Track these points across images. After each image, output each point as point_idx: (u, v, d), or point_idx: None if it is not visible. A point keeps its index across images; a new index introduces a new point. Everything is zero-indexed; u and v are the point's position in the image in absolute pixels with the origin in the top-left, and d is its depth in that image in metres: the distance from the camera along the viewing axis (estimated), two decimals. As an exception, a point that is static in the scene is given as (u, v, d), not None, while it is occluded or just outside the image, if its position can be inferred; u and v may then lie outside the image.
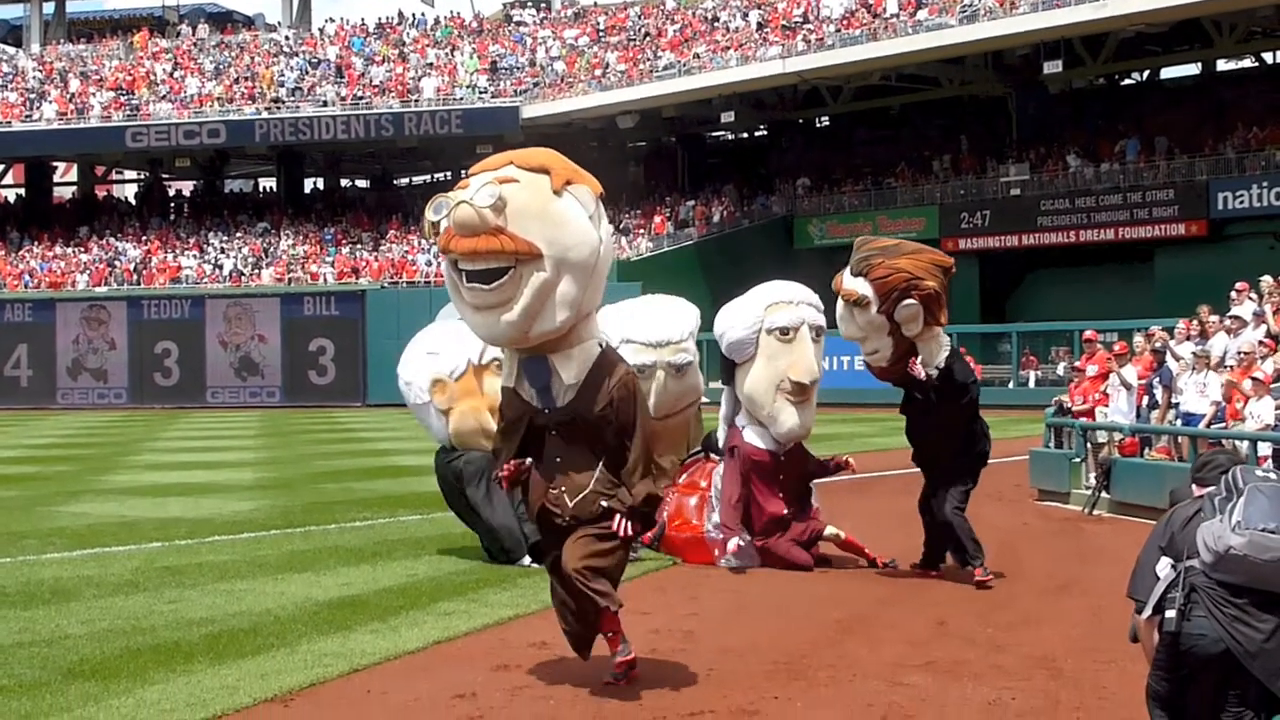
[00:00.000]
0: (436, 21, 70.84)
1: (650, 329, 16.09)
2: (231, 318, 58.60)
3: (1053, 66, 49.95)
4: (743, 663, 10.75)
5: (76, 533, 18.51)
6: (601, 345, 10.09)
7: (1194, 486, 6.83)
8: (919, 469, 15.08)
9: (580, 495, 9.80)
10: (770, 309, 15.60)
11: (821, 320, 15.75)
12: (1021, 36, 50.27)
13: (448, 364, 15.71)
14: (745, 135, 69.44)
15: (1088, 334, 22.90)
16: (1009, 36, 50.49)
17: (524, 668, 10.64)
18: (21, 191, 76.67)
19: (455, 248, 9.60)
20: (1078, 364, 22.98)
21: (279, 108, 63.60)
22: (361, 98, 63.15)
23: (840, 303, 14.29)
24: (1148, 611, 6.44)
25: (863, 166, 60.14)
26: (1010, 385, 46.87)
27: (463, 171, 73.55)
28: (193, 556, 16.40)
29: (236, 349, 58.62)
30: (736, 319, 15.71)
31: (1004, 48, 52.75)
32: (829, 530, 15.40)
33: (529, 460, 10.07)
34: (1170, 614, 6.39)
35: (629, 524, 9.75)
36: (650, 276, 54.52)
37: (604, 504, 9.75)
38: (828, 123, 66.46)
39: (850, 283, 14.09)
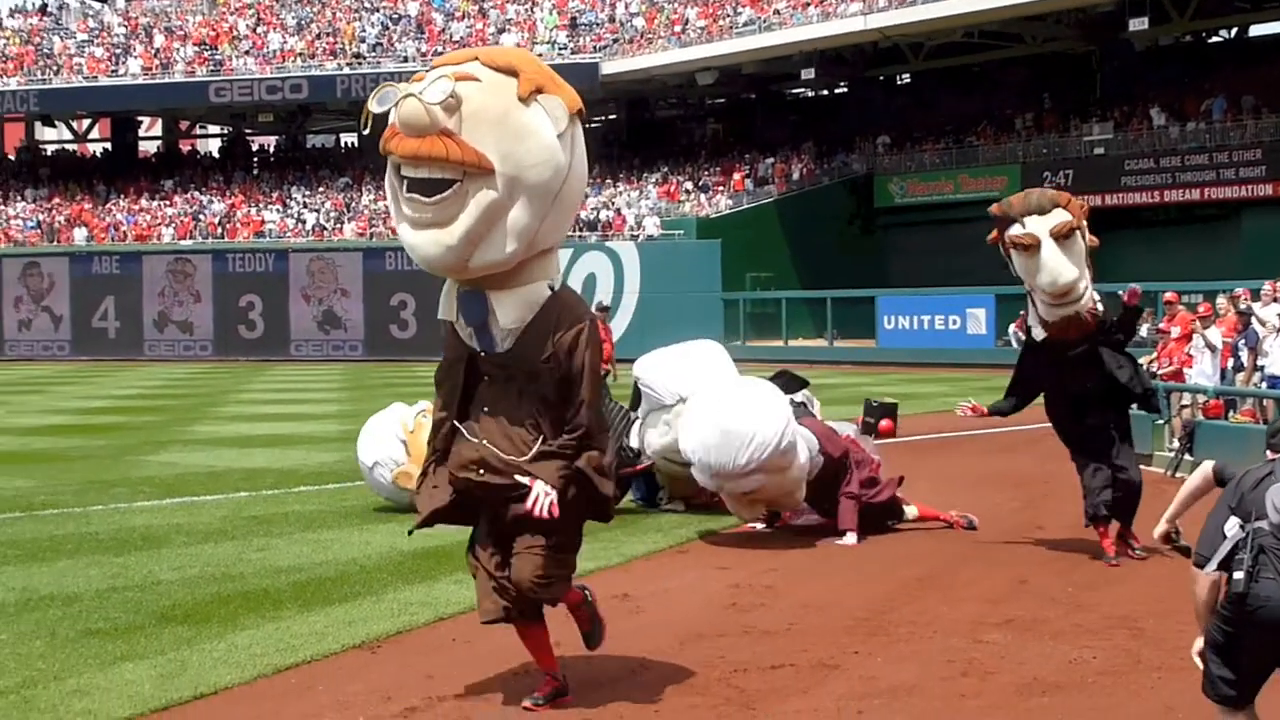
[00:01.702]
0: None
1: (710, 453, 13.91)
2: (315, 272, 58.93)
3: (1138, 23, 49.26)
4: (823, 617, 10.80)
5: (165, 482, 18.77)
6: (553, 288, 8.44)
7: (1267, 452, 6.81)
8: (1076, 443, 13.68)
9: (508, 451, 8.28)
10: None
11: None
12: (1107, -8, 49.67)
13: (395, 453, 15.84)
14: (825, 92, 68.87)
15: (1168, 296, 22.69)
16: (1095, -8, 49.92)
17: (606, 620, 10.69)
18: (108, 145, 77.27)
19: (396, 148, 8.06)
20: (1161, 325, 22.80)
21: (360, 63, 63.76)
22: (441, 53, 62.83)
23: (1047, 248, 12.84)
24: (1211, 567, 6.44)
25: (944, 124, 59.53)
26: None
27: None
28: (279, 506, 16.63)
29: (319, 303, 58.96)
30: (769, 424, 13.80)
31: (1088, 4, 51.93)
32: (909, 511, 15.01)
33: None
34: (1239, 575, 6.38)
35: (551, 501, 8.10)
36: (729, 234, 54.49)
37: (521, 479, 8.21)
38: (908, 80, 65.80)
39: (1055, 216, 13.01)
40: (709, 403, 14.15)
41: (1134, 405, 13.77)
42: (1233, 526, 6.41)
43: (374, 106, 8.14)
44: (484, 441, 8.34)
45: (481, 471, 8.33)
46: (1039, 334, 13.46)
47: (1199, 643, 6.51)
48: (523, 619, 8.63)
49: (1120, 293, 13.66)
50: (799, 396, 15.40)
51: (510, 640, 10.01)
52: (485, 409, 8.44)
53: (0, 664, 9.27)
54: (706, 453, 13.82)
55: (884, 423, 15.24)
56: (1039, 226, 12.83)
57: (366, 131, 8.47)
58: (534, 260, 8.33)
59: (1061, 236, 12.76)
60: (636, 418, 16.09)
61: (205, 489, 17.92)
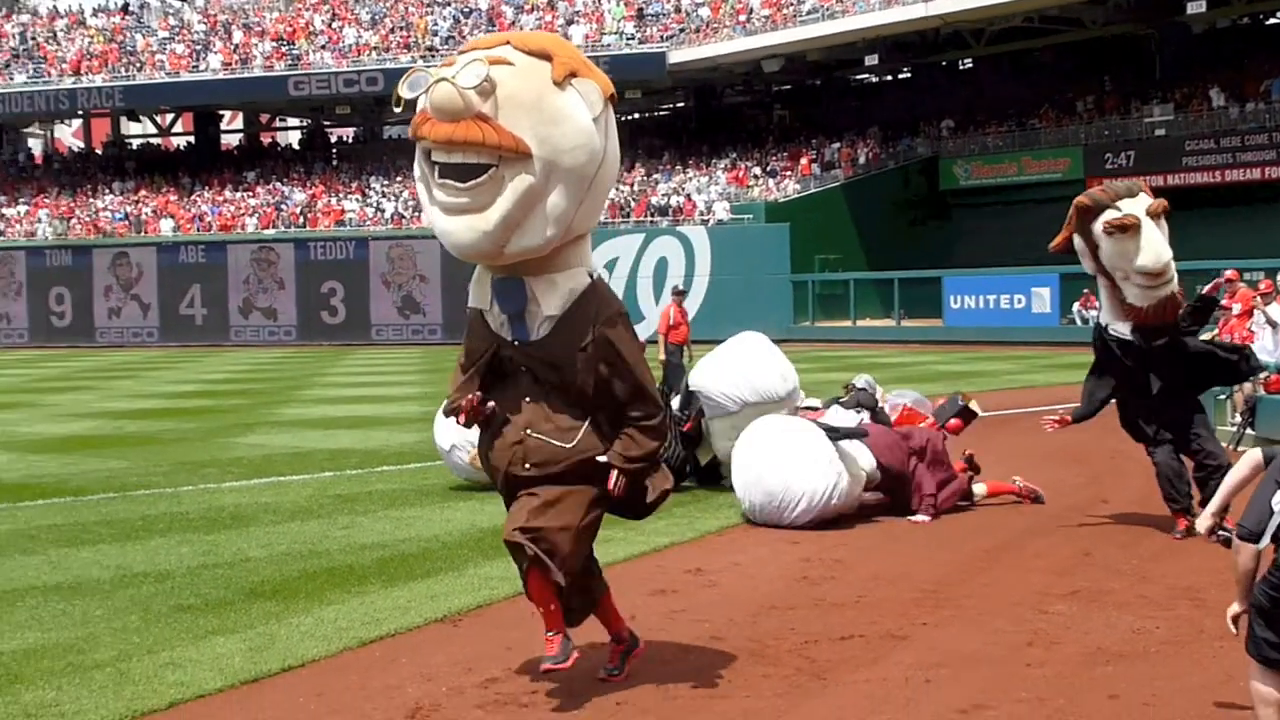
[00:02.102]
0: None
1: (757, 513, 13.84)
2: (394, 258, 59.21)
3: (1196, 6, 48.81)
4: (892, 589, 10.80)
5: (253, 462, 18.94)
6: (592, 275, 8.13)
7: None
8: (1154, 437, 13.26)
9: (560, 438, 7.91)
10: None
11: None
12: (1166, -24, 49.28)
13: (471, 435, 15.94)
14: (889, 78, 68.53)
15: (1228, 273, 22.38)
16: (1153, -24, 49.55)
17: (680, 593, 10.75)
18: (191, 139, 77.91)
19: (429, 134, 7.66)
20: (1223, 302, 22.60)
21: (433, 56, 63.81)
22: (512, 44, 63.17)
23: (1147, 226, 12.67)
24: (1264, 541, 6.42)
25: (1006, 108, 59.10)
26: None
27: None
28: (363, 485, 16.74)
29: (399, 288, 59.25)
30: (813, 483, 13.53)
31: (1151, -14, 51.64)
32: (977, 489, 14.75)
33: (491, 402, 8.11)
34: None
35: (621, 480, 7.92)
36: (797, 217, 54.36)
37: (600, 458, 7.93)
38: (970, 65, 65.38)
39: (1145, 198, 12.89)
40: (756, 462, 13.80)
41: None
42: (1279, 500, 6.39)
43: (405, 92, 7.74)
44: (532, 435, 7.93)
45: (528, 466, 7.93)
46: (1123, 329, 13.12)
47: (1234, 607, 6.52)
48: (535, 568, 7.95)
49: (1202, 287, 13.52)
50: (854, 419, 14.79)
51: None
52: (527, 398, 7.99)
53: (97, 638, 9.39)
54: (752, 512, 13.82)
55: (954, 421, 15.00)
56: (1136, 207, 12.70)
57: (399, 110, 7.97)
58: (570, 246, 8.03)
59: (1155, 216, 12.68)
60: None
61: (291, 469, 18.07)
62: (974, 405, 15.61)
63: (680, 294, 26.75)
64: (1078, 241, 13.20)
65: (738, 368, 15.43)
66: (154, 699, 7.91)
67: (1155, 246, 12.59)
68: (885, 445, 14.17)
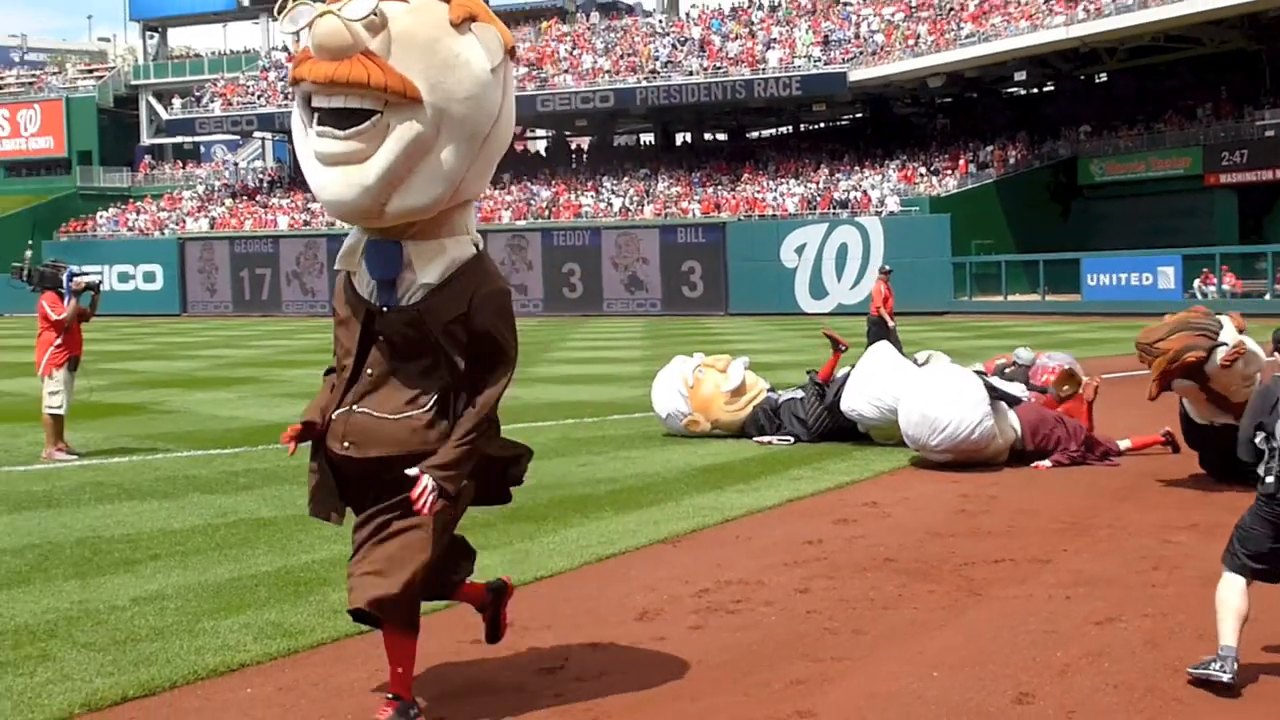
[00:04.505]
0: (777, 5, 70.24)
1: (910, 427, 13.48)
2: (621, 244, 59.63)
3: (1302, 25, 47.12)
4: (1036, 521, 10.66)
5: (512, 411, 18.92)
6: (478, 246, 5.97)
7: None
8: None
9: (388, 421, 5.75)
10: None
11: None
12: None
13: (681, 406, 15.98)
14: (1035, 90, 67.06)
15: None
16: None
17: (859, 522, 10.73)
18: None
19: (308, 73, 5.52)
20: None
21: (655, 78, 64.13)
22: (719, 68, 63.13)
23: (1247, 344, 11.67)
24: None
25: (1135, 114, 57.57)
26: (1266, 297, 44.65)
27: (802, 125, 73.31)
28: (597, 431, 16.94)
29: (625, 269, 59.66)
30: (963, 415, 13.09)
31: (1259, 10, 49.55)
32: (1121, 444, 13.98)
33: (319, 423, 5.89)
34: (1270, 479, 6.45)
35: (433, 497, 5.65)
36: (957, 209, 53.74)
37: (409, 471, 5.66)
38: (1105, 78, 63.75)
39: (1218, 318, 11.85)
40: (919, 385, 13.63)
41: None
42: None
43: (285, 26, 5.64)
44: (363, 413, 5.80)
45: (347, 445, 5.83)
46: (1226, 418, 11.46)
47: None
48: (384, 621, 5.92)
49: None
50: (1017, 389, 14.28)
51: (783, 535, 10.13)
52: (369, 371, 5.87)
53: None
54: (907, 425, 13.51)
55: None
56: (1232, 333, 11.63)
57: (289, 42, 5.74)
58: (456, 211, 5.91)
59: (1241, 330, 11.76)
60: (774, 391, 16.14)
61: (541, 417, 18.29)
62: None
63: (887, 273, 26.73)
64: (1180, 384, 11.87)
65: (877, 380, 14.55)
66: (436, 601, 8.10)
67: (1257, 350, 11.64)
68: (1034, 424, 13.67)
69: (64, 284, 15.10)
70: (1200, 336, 11.60)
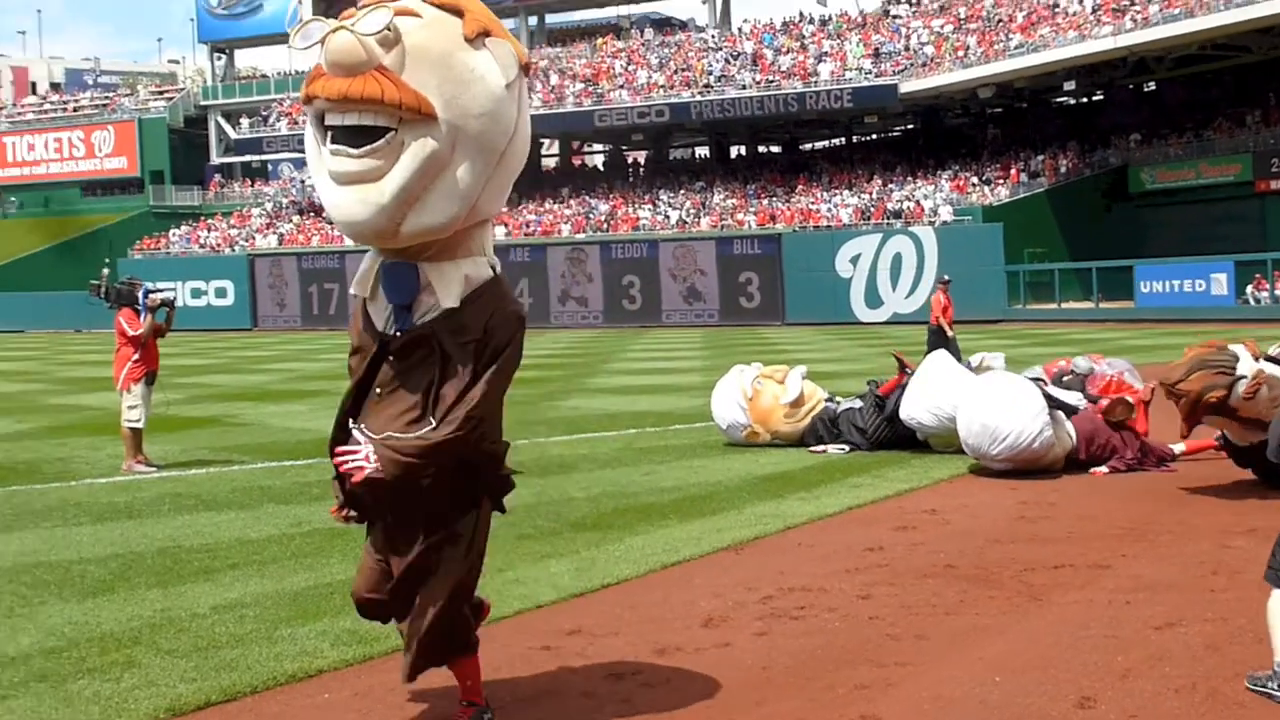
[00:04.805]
0: (827, 19, 70.06)
1: (970, 436, 13.36)
2: (679, 256, 59.55)
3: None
4: (1096, 527, 10.57)
5: (572, 421, 19.33)
6: (494, 268, 5.82)
7: None
8: None
9: (387, 428, 5.61)
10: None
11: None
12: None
13: (741, 417, 15.98)
14: (1085, 99, 66.48)
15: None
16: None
17: (919, 529, 10.68)
18: (519, 163, 79.33)
19: (322, 90, 5.35)
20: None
21: (709, 92, 64.06)
22: (772, 81, 63.02)
23: (1267, 369, 11.55)
24: None
25: (1184, 122, 56.98)
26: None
27: (854, 137, 73.09)
28: (660, 440, 16.94)
29: (683, 280, 59.57)
30: (1023, 425, 13.03)
31: (1307, 18, 49.10)
32: (1176, 448, 13.77)
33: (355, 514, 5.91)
34: None
35: (357, 466, 5.48)
36: (1009, 217, 53.36)
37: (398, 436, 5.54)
38: (1154, 87, 63.17)
39: (1233, 349, 11.75)
40: (979, 394, 13.50)
41: None
42: None
43: (297, 43, 5.44)
44: (368, 429, 5.67)
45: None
46: (1256, 436, 11.42)
47: None
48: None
49: None
50: (1074, 399, 14.28)
51: (844, 542, 10.11)
52: (378, 390, 5.76)
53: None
54: (967, 435, 13.39)
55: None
56: (1249, 364, 11.51)
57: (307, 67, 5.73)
58: (473, 230, 5.77)
59: (1257, 358, 11.66)
60: (833, 400, 16.08)
61: (603, 427, 18.37)
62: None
63: (946, 283, 26.58)
64: (1209, 420, 11.88)
65: (933, 388, 14.44)
66: (503, 607, 8.07)
67: (1275, 372, 11.48)
68: (1089, 434, 13.57)
69: (139, 300, 15.31)
70: (1218, 375, 11.50)
